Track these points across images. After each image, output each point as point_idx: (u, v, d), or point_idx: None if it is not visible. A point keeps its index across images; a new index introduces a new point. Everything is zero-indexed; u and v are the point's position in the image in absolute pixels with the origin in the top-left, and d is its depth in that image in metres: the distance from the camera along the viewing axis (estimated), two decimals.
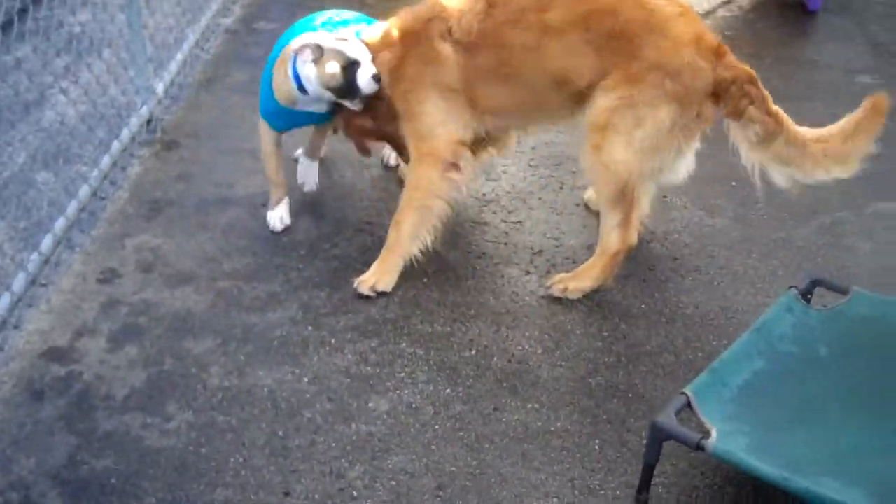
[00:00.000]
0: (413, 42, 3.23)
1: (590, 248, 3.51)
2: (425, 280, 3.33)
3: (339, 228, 3.60)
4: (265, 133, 3.50)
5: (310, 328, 3.11)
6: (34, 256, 3.20)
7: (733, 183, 3.97)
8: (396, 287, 3.29)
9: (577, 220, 3.69)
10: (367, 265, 3.36)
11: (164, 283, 3.30)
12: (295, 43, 3.27)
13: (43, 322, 3.11)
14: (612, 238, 3.23)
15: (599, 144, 3.11)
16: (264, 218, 3.60)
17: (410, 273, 3.34)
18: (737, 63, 3.23)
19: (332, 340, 3.06)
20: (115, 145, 3.83)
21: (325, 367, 2.96)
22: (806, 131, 3.22)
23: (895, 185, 3.99)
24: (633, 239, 3.31)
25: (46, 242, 3.28)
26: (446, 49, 3.19)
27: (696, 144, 3.30)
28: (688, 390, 2.50)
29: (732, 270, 3.44)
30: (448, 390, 2.89)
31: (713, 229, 3.68)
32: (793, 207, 3.82)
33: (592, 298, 3.27)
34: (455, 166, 3.26)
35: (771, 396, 2.57)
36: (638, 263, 3.47)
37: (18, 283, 3.09)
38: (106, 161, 3.73)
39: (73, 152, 3.89)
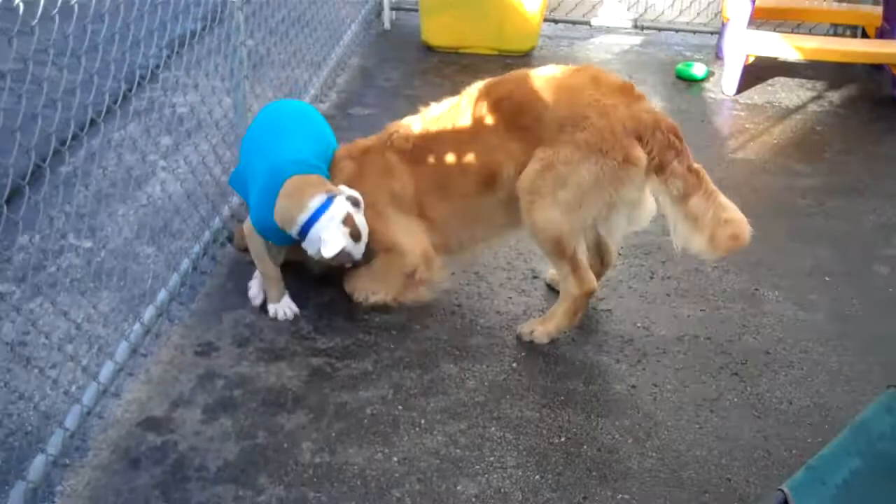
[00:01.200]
0: (369, 153, 3.59)
1: (680, 339, 3.50)
2: (514, 365, 3.35)
3: (431, 311, 3.64)
4: (254, 237, 3.51)
5: (400, 408, 3.14)
6: (136, 327, 3.30)
7: (827, 278, 3.94)
8: (486, 372, 3.31)
9: (667, 310, 3.68)
10: (458, 347, 3.40)
11: (258, 357, 3.37)
12: (340, 211, 3.32)
13: (141, 392, 3.19)
14: (568, 286, 3.40)
15: (529, 208, 3.30)
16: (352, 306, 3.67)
17: (499, 357, 3.37)
18: (656, 110, 3.36)
19: (422, 421, 3.09)
20: (216, 222, 3.95)
21: (415, 447, 2.98)
22: (723, 199, 3.28)
23: None
24: (591, 284, 3.42)
25: (148, 314, 3.38)
26: (393, 158, 3.51)
27: (643, 192, 3.33)
28: (785, 487, 2.46)
29: (827, 367, 3.39)
30: (537, 476, 2.88)
31: (807, 324, 3.63)
32: (888, 304, 3.77)
33: (683, 390, 3.25)
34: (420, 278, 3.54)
35: (871, 496, 2.51)
36: (731, 356, 3.44)
37: (121, 352, 3.19)
38: (207, 237, 3.85)
39: (176, 228, 4.03)
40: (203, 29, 4.15)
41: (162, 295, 3.49)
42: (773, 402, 3.21)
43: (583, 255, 3.41)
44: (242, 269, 3.84)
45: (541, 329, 3.47)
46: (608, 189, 3.23)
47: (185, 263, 3.68)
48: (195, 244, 3.80)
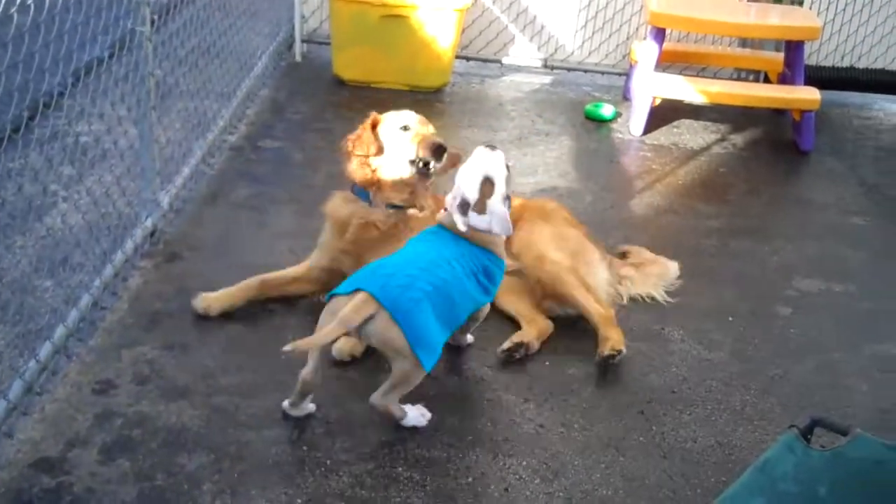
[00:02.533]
0: None
1: (587, 378, 3.52)
2: (422, 403, 3.32)
3: None
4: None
5: (305, 448, 3.08)
6: (31, 364, 3.18)
7: (730, 318, 4.01)
8: None
9: (576, 348, 3.70)
10: (366, 386, 3.36)
11: (159, 396, 3.27)
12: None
13: (35, 431, 3.07)
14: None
15: None
16: (263, 333, 3.61)
17: (408, 397, 3.33)
18: None
19: (328, 462, 3.03)
20: (118, 256, 3.85)
21: (320, 489, 2.92)
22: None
23: (886, 327, 4.03)
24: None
25: (45, 350, 3.26)
26: None
27: None
28: None
29: (731, 406, 3.44)
30: None
31: (711, 363, 3.69)
32: (789, 345, 3.85)
33: (591, 429, 3.26)
34: None
35: None
36: (637, 395, 3.47)
37: (14, 390, 3.06)
38: (108, 271, 3.75)
39: (75, 261, 3.91)
40: (111, 57, 4.06)
41: (59, 330, 3.37)
42: (677, 441, 3.24)
43: None
44: (144, 304, 3.75)
45: None
46: None
47: (85, 298, 3.57)
48: (96, 278, 3.69)
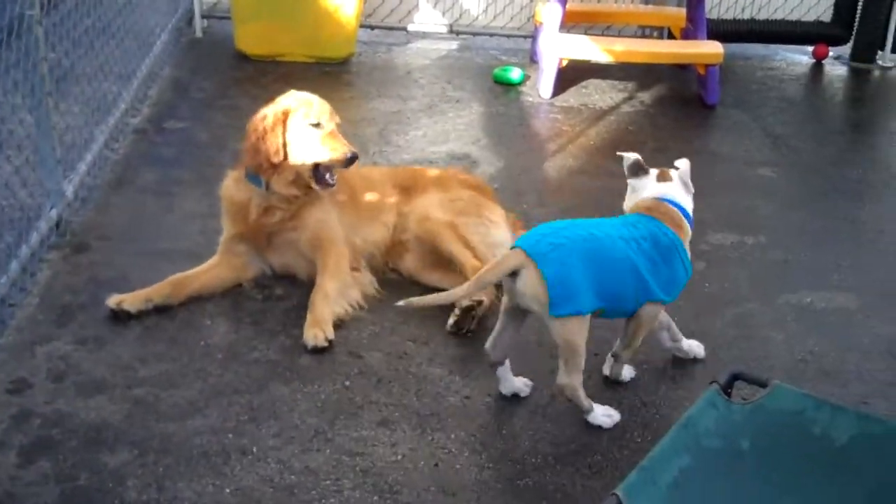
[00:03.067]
0: None
1: (511, 346, 3.52)
2: (347, 383, 3.29)
3: (258, 332, 3.54)
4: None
5: (230, 436, 3.03)
6: None
7: None
8: (318, 392, 3.24)
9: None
10: (287, 368, 3.32)
11: (77, 392, 3.18)
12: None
13: None
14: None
15: None
16: (180, 321, 3.54)
17: (331, 376, 3.30)
18: None
19: (254, 449, 2.99)
20: (24, 250, 3.72)
21: (248, 476, 2.88)
22: None
23: (798, 276, 4.11)
24: None
25: None
26: None
27: None
28: (618, 491, 2.49)
29: (653, 365, 3.48)
30: (375, 497, 2.83)
31: None
32: (705, 300, 3.91)
33: (517, 398, 3.27)
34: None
35: (698, 494, 2.58)
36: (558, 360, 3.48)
37: None
38: (14, 267, 3.62)
39: None
40: (0, 44, 3.90)
41: None
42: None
43: None
44: (55, 298, 3.64)
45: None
46: None
47: None
48: (2, 275, 3.56)
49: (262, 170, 3.66)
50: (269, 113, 3.69)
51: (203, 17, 6.80)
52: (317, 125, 3.67)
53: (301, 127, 3.66)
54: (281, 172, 3.67)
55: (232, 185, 3.79)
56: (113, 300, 3.56)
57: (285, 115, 3.68)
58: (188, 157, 4.91)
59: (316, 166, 3.69)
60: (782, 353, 3.58)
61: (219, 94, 5.77)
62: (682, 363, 3.49)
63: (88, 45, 4.91)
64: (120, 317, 3.54)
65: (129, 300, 3.57)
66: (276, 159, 3.63)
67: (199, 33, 6.74)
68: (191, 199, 4.45)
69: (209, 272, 3.75)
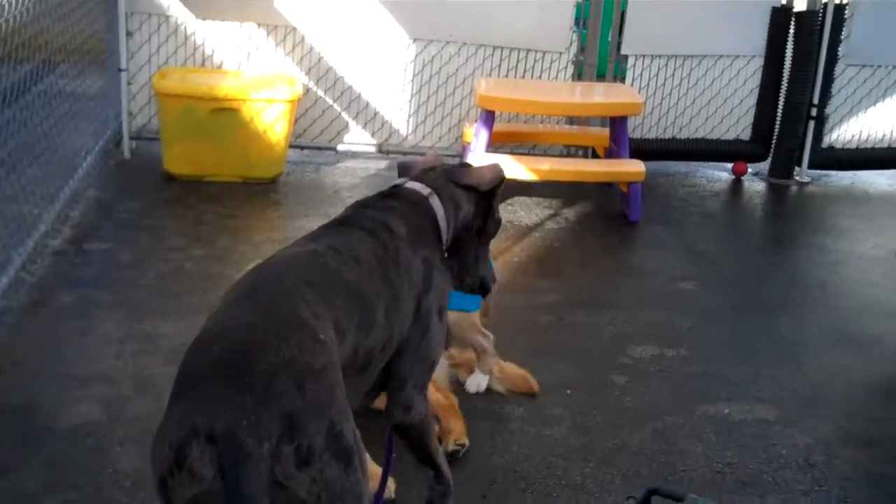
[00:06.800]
0: None
1: None
2: None
3: None
4: None
5: None
6: None
7: (568, 391, 4.05)
8: None
9: None
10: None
11: None
12: None
13: None
14: None
15: None
16: (88, 447, 3.44)
17: None
18: None
19: None
20: None
21: None
22: None
23: (717, 388, 4.14)
24: None
25: None
26: None
27: None
28: None
29: (571, 481, 3.44)
30: None
31: (550, 439, 3.70)
32: (626, 414, 3.91)
33: None
34: None
35: None
36: (480, 478, 3.43)
37: None
38: None
39: None
40: None
41: None
42: None
43: None
44: None
45: None
46: None
47: None
48: None
49: None
50: None
51: (132, 138, 6.81)
52: None
53: None
54: None
55: None
56: None
57: None
58: (108, 278, 4.84)
59: None
60: (701, 466, 3.57)
61: (144, 214, 5.74)
62: (601, 479, 3.46)
63: (11, 166, 4.89)
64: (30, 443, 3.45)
65: None
66: None
67: (127, 154, 6.75)
68: (109, 322, 4.37)
69: None
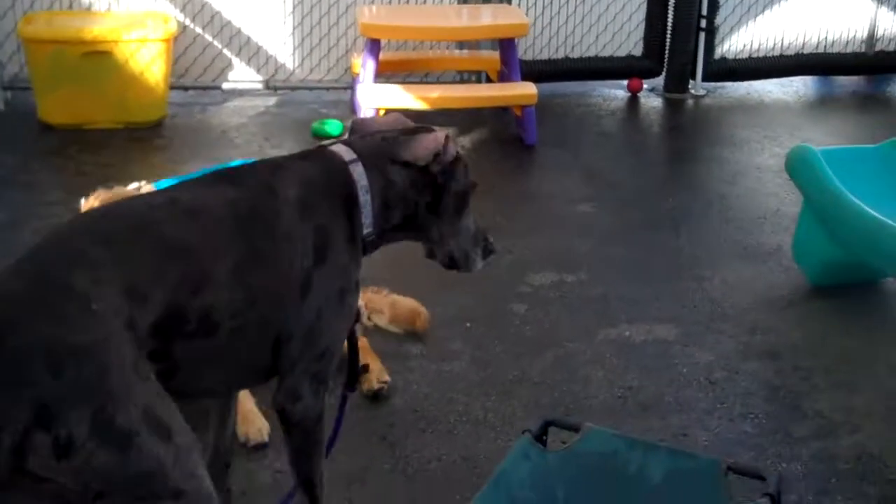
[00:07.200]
0: None
1: (331, 409, 3.38)
2: None
3: None
4: None
5: None
6: None
7: (468, 324, 3.98)
8: None
9: None
10: None
11: None
12: None
13: None
14: None
15: None
16: None
17: None
18: None
19: None
20: None
21: None
22: None
23: (617, 311, 4.11)
24: None
25: None
26: None
27: None
28: None
29: (473, 416, 3.38)
30: None
31: (451, 375, 3.63)
32: (526, 343, 3.85)
33: (333, 466, 3.11)
34: None
35: None
36: (379, 420, 3.36)
37: None
38: None
39: None
40: None
41: None
42: (421, 462, 3.15)
43: None
44: None
45: None
46: None
47: None
48: None
49: None
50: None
51: (5, 88, 6.46)
52: None
53: None
54: None
55: None
56: None
57: None
58: None
59: None
60: (603, 392, 3.54)
61: (20, 168, 5.45)
62: (502, 412, 3.40)
63: None
64: None
65: None
66: None
67: (1, 106, 6.40)
68: None
69: None
